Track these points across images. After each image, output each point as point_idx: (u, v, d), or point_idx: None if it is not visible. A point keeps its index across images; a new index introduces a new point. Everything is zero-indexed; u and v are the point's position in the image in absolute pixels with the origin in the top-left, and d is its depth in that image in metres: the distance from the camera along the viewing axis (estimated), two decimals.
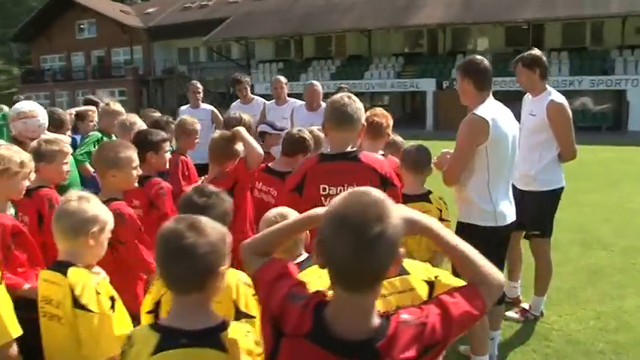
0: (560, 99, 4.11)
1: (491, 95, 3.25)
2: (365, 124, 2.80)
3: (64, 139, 4.17)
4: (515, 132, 3.29)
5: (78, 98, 39.43)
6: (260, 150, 3.53)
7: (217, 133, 3.83)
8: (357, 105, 2.68)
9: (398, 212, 1.32)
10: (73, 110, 5.91)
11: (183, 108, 7.00)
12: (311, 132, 3.95)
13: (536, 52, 4.20)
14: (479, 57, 3.27)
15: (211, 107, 6.83)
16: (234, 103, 7.04)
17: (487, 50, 29.81)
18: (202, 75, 35.13)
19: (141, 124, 4.49)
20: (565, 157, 4.17)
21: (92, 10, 40.67)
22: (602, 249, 6.43)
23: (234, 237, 1.68)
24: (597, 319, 4.47)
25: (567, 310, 4.66)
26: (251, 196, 3.68)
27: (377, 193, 1.32)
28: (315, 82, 6.33)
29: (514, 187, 3.60)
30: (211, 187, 2.22)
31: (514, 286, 4.72)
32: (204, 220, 1.61)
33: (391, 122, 3.71)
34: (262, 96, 7.18)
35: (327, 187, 2.62)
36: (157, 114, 5.85)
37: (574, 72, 26.21)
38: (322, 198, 2.60)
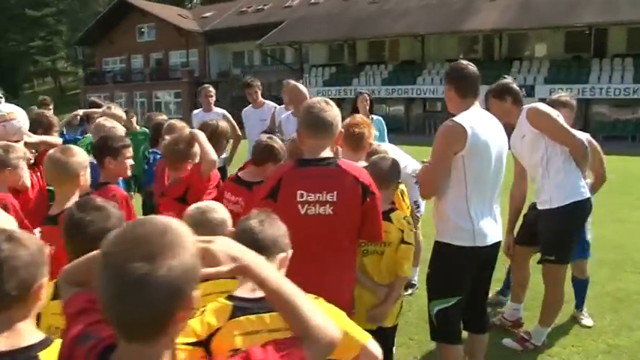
0: (536, 103, 3.87)
1: (477, 103, 3.07)
2: (342, 130, 2.66)
3: (55, 140, 4.18)
4: (501, 146, 3.06)
5: (135, 100, 40.87)
6: (215, 157, 3.36)
7: (172, 136, 3.70)
8: (335, 111, 2.55)
9: (192, 248, 1.09)
10: (81, 112, 5.93)
11: (195, 112, 6.95)
12: (293, 140, 3.71)
13: (506, 80, 4.08)
14: (464, 62, 3.13)
15: (223, 111, 6.71)
16: (246, 108, 6.93)
17: (545, 56, 28.94)
18: (255, 78, 35.42)
19: (118, 129, 4.43)
20: (575, 156, 3.75)
21: (152, 15, 41.85)
22: (636, 272, 5.87)
23: None
24: (607, 352, 3.98)
25: (575, 340, 4.18)
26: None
27: (162, 223, 1.09)
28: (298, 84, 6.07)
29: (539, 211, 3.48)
30: (97, 201, 1.99)
31: (515, 309, 4.39)
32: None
33: (374, 132, 3.57)
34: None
35: (304, 193, 2.44)
36: (162, 117, 5.81)
37: (639, 79, 24.98)
38: (299, 205, 2.43)
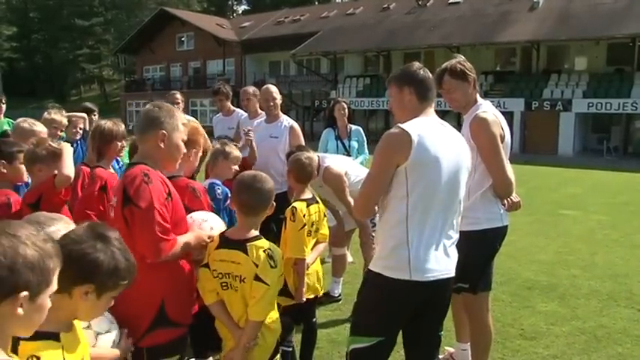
0: (486, 112, 3.41)
1: (431, 111, 2.75)
2: None
3: None
4: (457, 163, 2.68)
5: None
6: (70, 173, 3.23)
7: (40, 138, 3.64)
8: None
9: None
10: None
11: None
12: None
13: (459, 57, 3.63)
14: (416, 64, 2.83)
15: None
16: (216, 116, 6.76)
17: (585, 70, 27.67)
18: (290, 88, 35.22)
19: (41, 131, 4.20)
20: (495, 189, 3.44)
21: (191, 24, 42.33)
22: (629, 307, 5.20)
23: None
24: None
25: None
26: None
27: None
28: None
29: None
30: None
31: (463, 349, 3.86)
32: None
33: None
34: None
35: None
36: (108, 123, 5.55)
37: None
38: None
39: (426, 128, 2.59)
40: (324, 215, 3.65)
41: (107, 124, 3.84)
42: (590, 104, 25.02)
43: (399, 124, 2.59)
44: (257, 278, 2.58)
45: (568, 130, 25.74)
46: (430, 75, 2.78)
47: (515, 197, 3.54)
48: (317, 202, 3.58)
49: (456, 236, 2.73)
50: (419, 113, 2.69)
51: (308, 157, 3.65)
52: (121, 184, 2.44)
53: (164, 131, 2.49)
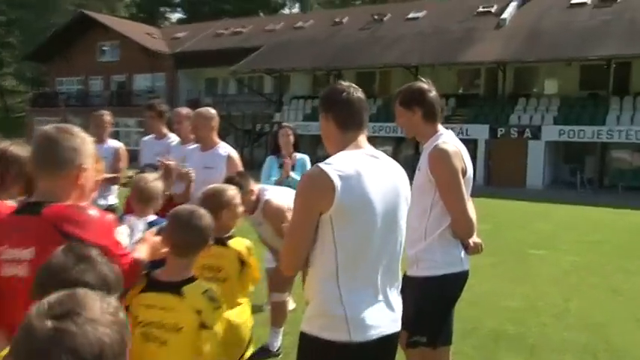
0: (447, 144, 3.47)
1: (363, 139, 2.71)
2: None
3: None
4: (395, 201, 2.66)
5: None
6: None
7: None
8: (72, 142, 2.37)
9: None
10: None
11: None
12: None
13: (420, 84, 3.65)
14: (345, 83, 2.75)
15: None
16: (146, 137, 6.77)
17: (556, 94, 28.85)
18: (229, 109, 35.21)
19: None
20: (455, 230, 3.48)
21: (116, 32, 41.98)
22: None
23: None
24: None
25: None
26: None
27: None
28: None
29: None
30: None
31: None
32: None
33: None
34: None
35: (4, 248, 2.25)
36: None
37: None
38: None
39: (352, 165, 2.54)
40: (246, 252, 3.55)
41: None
42: (562, 131, 25.92)
43: (319, 164, 2.54)
44: (204, 326, 2.58)
45: (537, 159, 26.45)
46: (361, 96, 2.72)
47: (476, 239, 3.57)
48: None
49: (397, 283, 2.71)
50: (345, 144, 2.66)
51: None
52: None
53: (84, 165, 2.35)
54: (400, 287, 2.72)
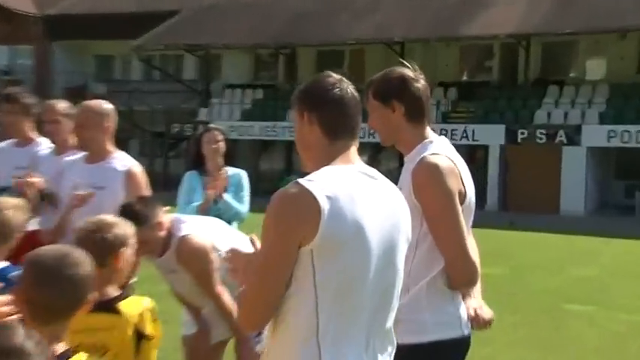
0: (438, 156, 3.56)
1: (352, 153, 2.87)
2: None
3: None
4: (392, 239, 2.82)
5: None
6: None
7: None
8: None
9: None
10: None
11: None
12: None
13: (403, 71, 3.73)
14: (332, 75, 2.91)
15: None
16: (2, 144, 6.79)
17: (603, 80, 29.47)
18: (131, 102, 35.28)
19: None
20: (449, 276, 3.55)
21: None
22: None
23: None
24: None
25: None
26: None
27: None
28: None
29: None
30: None
31: None
32: None
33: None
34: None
35: None
36: None
37: None
38: None
39: (343, 184, 2.67)
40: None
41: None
42: (612, 133, 26.30)
43: (299, 180, 2.65)
44: None
45: (576, 174, 26.56)
46: (357, 95, 2.86)
47: (486, 311, 3.68)
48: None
49: (392, 348, 2.87)
50: (332, 156, 2.79)
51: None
52: None
53: None
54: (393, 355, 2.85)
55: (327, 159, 2.78)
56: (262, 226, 2.66)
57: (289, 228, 2.61)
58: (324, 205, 2.56)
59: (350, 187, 2.68)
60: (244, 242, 4.52)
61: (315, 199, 2.57)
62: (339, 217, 2.60)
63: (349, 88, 2.84)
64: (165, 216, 4.42)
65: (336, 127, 2.81)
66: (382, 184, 2.84)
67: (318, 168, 2.74)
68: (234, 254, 2.95)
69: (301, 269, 2.61)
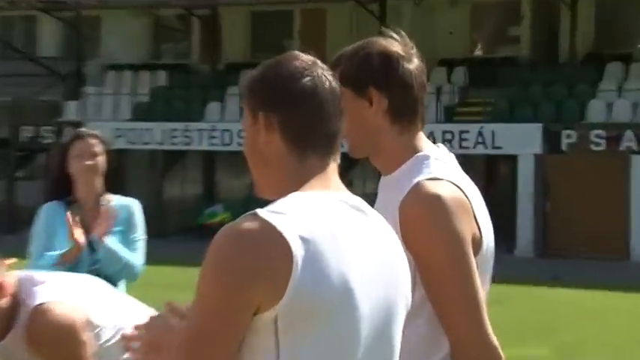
0: (438, 182, 3.64)
1: (331, 171, 3.02)
2: None
3: None
4: (388, 301, 2.95)
5: None
6: None
7: None
8: None
9: None
10: None
11: None
12: None
13: (386, 45, 3.84)
14: (303, 58, 3.05)
15: None
16: None
17: None
18: None
19: None
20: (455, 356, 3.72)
21: None
22: None
23: None
24: None
25: None
26: None
27: None
28: None
29: None
30: None
31: None
32: None
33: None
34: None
35: None
36: None
37: None
38: None
39: (322, 222, 2.83)
40: None
41: None
42: None
43: (257, 211, 2.78)
44: None
45: None
46: (332, 85, 3.00)
47: None
48: None
49: None
50: (302, 178, 2.96)
51: None
52: None
53: None
54: None
55: (295, 182, 2.94)
56: (198, 280, 2.75)
57: (240, 282, 2.72)
58: (297, 250, 2.68)
59: (332, 226, 2.84)
60: (142, 314, 5.14)
61: (284, 240, 2.68)
62: (319, 270, 2.74)
63: (326, 75, 3.00)
64: (8, 274, 4.50)
65: (306, 135, 2.97)
66: (374, 220, 3.04)
67: (280, 194, 2.90)
68: (146, 326, 3.08)
69: (257, 347, 2.76)
